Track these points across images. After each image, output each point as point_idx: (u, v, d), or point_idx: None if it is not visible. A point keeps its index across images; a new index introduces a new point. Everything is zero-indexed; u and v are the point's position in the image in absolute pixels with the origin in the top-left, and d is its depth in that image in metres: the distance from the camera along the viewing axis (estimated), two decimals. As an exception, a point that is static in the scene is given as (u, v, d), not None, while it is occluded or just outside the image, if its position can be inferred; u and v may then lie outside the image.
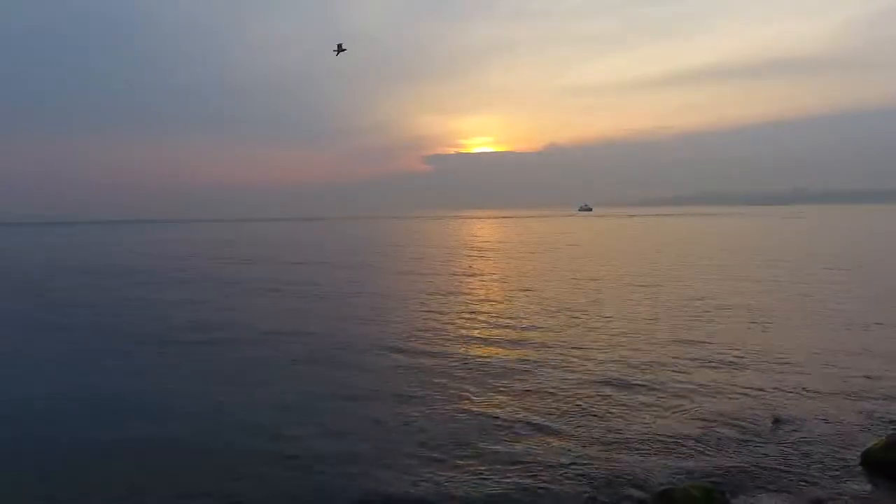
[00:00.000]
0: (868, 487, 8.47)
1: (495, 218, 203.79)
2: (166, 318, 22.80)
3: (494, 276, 34.91)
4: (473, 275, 35.76)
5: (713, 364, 14.56)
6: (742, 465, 9.16)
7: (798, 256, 42.74)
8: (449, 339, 17.97)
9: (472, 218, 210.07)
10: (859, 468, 8.99)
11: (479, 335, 18.56)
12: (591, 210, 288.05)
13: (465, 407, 11.97)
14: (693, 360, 14.94)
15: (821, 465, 9.11)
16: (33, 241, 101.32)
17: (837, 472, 8.90)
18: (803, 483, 8.59)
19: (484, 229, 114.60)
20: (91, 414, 12.40)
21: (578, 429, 10.69)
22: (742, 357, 15.15)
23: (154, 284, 34.34)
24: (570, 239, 74.73)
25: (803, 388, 12.53)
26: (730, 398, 12.06)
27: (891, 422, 10.60)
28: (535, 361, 15.13)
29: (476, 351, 16.50)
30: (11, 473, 9.63)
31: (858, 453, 9.29)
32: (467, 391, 12.95)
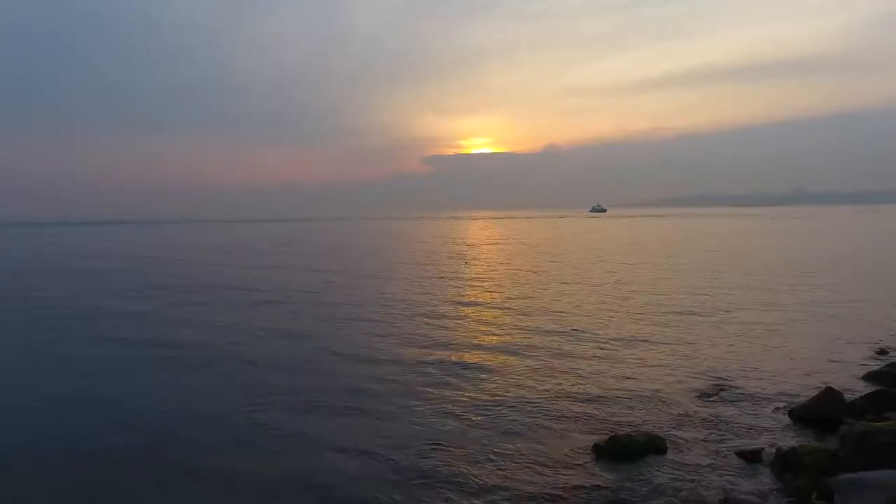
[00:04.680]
0: (792, 435, 9.79)
1: (509, 219, 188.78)
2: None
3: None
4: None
5: (672, 343, 16.09)
6: (685, 420, 10.48)
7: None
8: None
9: (483, 219, 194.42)
10: (788, 422, 10.32)
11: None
12: (605, 211, 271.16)
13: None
14: (658, 341, 16.49)
15: (755, 420, 10.44)
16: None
17: (769, 425, 10.23)
18: (737, 433, 9.89)
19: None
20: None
21: (553, 385, 12.08)
22: (701, 338, 16.72)
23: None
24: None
25: (747, 362, 14.03)
26: (683, 370, 13.45)
27: (819, 383, 11.97)
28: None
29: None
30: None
31: (787, 411, 10.66)
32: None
